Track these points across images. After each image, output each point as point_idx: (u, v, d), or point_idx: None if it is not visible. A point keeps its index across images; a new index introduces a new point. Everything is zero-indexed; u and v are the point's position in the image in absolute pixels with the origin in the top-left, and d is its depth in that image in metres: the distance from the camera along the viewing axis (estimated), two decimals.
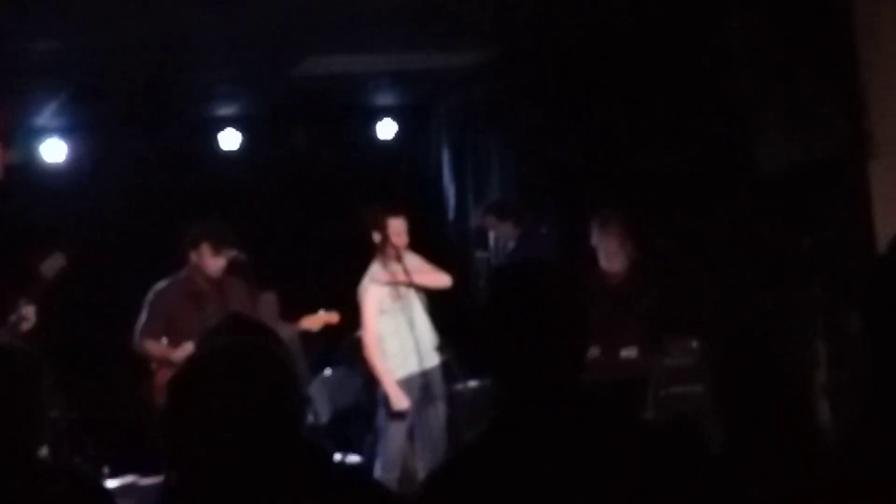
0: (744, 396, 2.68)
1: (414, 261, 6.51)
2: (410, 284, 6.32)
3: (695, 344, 6.09)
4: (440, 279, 6.54)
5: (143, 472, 6.70)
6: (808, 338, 5.84)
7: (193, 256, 6.18)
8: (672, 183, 6.67)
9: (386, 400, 6.39)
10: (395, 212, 6.38)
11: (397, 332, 6.37)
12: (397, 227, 6.35)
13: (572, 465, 2.02)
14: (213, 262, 6.16)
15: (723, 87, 6.01)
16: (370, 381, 6.70)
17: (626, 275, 6.39)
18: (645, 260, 6.41)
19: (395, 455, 6.36)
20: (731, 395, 2.71)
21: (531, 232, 7.41)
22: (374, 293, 6.38)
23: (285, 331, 6.62)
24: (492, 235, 7.72)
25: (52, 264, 6.13)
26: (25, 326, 5.97)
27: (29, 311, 5.98)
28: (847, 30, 5.51)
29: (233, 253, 6.20)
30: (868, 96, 5.52)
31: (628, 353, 6.19)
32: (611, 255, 6.40)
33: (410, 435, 6.46)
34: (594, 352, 6.23)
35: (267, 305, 7.79)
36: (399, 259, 6.32)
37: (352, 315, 6.65)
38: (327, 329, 6.94)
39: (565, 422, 2.06)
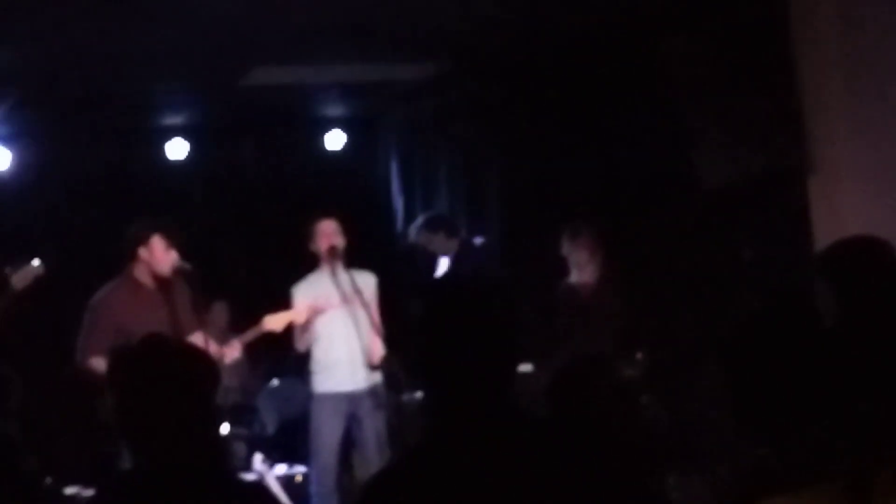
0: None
1: (366, 278, 6.50)
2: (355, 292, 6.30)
3: (639, 355, 6.17)
4: (376, 342, 6.33)
5: (86, 484, 6.66)
6: None
7: (143, 253, 5.84)
8: (616, 195, 6.77)
9: (315, 411, 6.39)
10: (324, 214, 6.37)
11: (346, 338, 6.35)
12: (327, 229, 6.33)
13: (503, 478, 2.06)
14: (166, 258, 5.82)
15: (666, 102, 6.11)
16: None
17: (597, 286, 6.45)
18: (615, 271, 6.48)
19: (326, 467, 6.35)
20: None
21: (467, 244, 7.45)
22: (301, 297, 6.38)
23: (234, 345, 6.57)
24: (422, 251, 7.65)
25: (26, 275, 5.75)
26: None
27: None
28: (786, 48, 5.64)
29: (178, 262, 6.02)
30: (806, 114, 5.64)
31: None
32: (581, 266, 6.46)
33: (354, 447, 6.47)
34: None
35: (218, 315, 7.77)
36: (334, 256, 6.30)
37: None
38: (276, 340, 6.89)
39: (495, 434, 2.11)
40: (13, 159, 8.17)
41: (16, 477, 2.00)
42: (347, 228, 6.42)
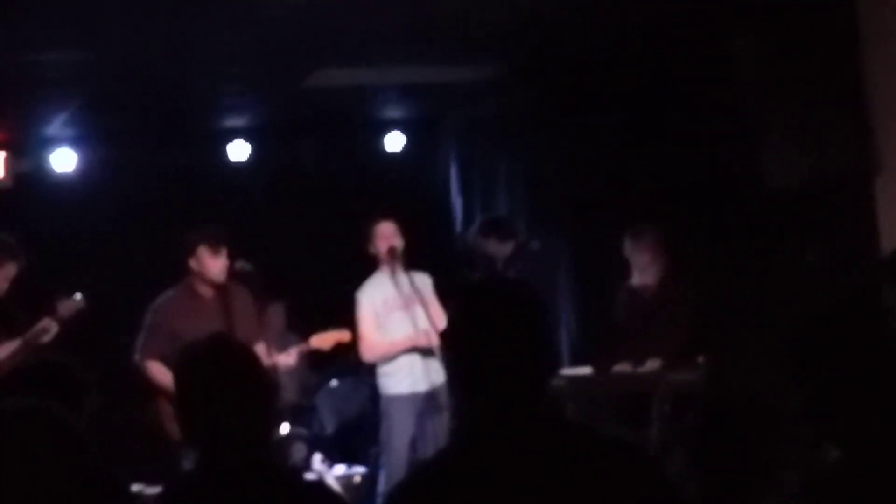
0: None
1: (423, 279, 6.51)
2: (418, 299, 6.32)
3: (701, 359, 6.09)
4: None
5: (149, 482, 6.72)
6: None
7: (193, 264, 6.02)
8: (680, 197, 6.70)
9: (388, 413, 6.41)
10: (383, 216, 6.39)
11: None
12: (386, 230, 6.37)
13: (531, 484, 2.05)
14: (214, 264, 5.99)
15: (731, 104, 6.03)
16: (376, 394, 6.71)
17: (659, 288, 6.39)
18: (678, 273, 6.41)
19: (398, 468, 6.37)
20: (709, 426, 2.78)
21: (522, 248, 7.43)
22: (367, 301, 6.40)
23: (292, 346, 6.63)
24: (480, 254, 7.66)
25: (70, 306, 6.16)
26: (46, 338, 6.03)
27: (52, 325, 6.05)
28: (854, 48, 5.54)
29: (239, 263, 6.13)
30: (874, 114, 5.54)
31: (650, 366, 6.17)
32: (643, 268, 6.42)
33: (414, 448, 6.48)
34: (625, 366, 6.23)
35: (275, 316, 7.83)
36: (393, 258, 6.30)
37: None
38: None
39: (524, 440, 2.09)
40: (79, 161, 8.29)
41: (86, 475, 2.06)
42: (406, 230, 6.43)
